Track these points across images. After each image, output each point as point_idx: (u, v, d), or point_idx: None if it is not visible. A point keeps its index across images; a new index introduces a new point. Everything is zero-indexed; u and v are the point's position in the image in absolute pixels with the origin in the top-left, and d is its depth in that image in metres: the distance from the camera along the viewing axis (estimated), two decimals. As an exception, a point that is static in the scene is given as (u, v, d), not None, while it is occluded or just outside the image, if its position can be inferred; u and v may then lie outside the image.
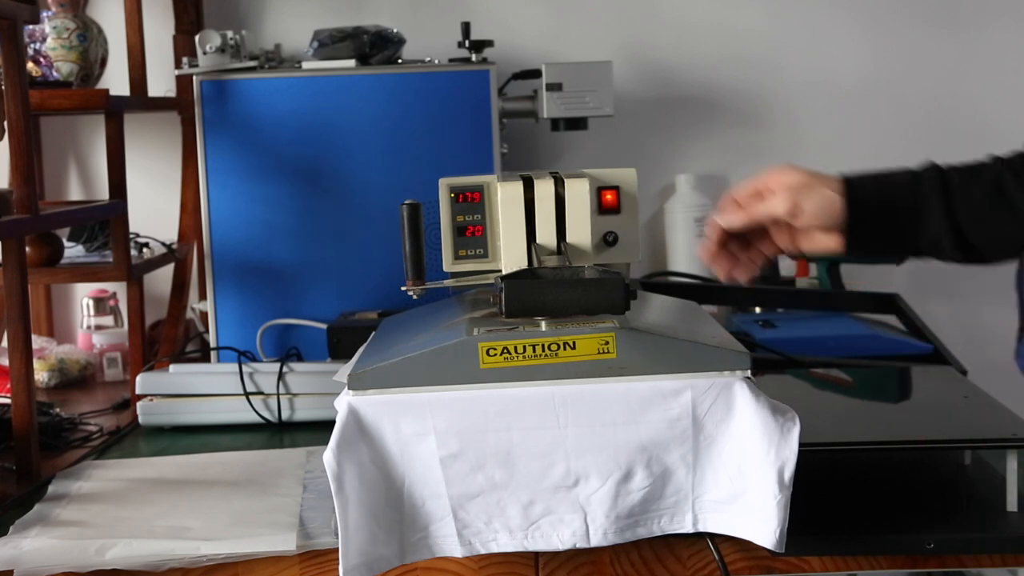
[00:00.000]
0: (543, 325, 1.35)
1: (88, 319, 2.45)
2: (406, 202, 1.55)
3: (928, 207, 1.25)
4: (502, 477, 1.32)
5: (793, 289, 2.38)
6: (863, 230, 1.27)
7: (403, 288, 1.56)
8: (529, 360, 1.34)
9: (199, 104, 2.16)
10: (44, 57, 2.19)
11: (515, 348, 1.33)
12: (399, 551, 1.34)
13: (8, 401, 1.72)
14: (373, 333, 1.63)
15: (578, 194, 1.49)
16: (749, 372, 1.35)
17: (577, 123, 2.27)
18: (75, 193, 2.60)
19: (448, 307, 1.60)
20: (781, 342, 2.07)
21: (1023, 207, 1.21)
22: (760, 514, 1.31)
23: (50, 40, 2.17)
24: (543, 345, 1.33)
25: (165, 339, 2.31)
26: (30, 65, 2.16)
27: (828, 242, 1.34)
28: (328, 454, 1.29)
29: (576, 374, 1.33)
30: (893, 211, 1.26)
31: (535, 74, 2.28)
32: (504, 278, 1.33)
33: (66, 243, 2.21)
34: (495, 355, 1.33)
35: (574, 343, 1.33)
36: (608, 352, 1.33)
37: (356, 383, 1.34)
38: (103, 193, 2.37)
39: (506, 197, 1.49)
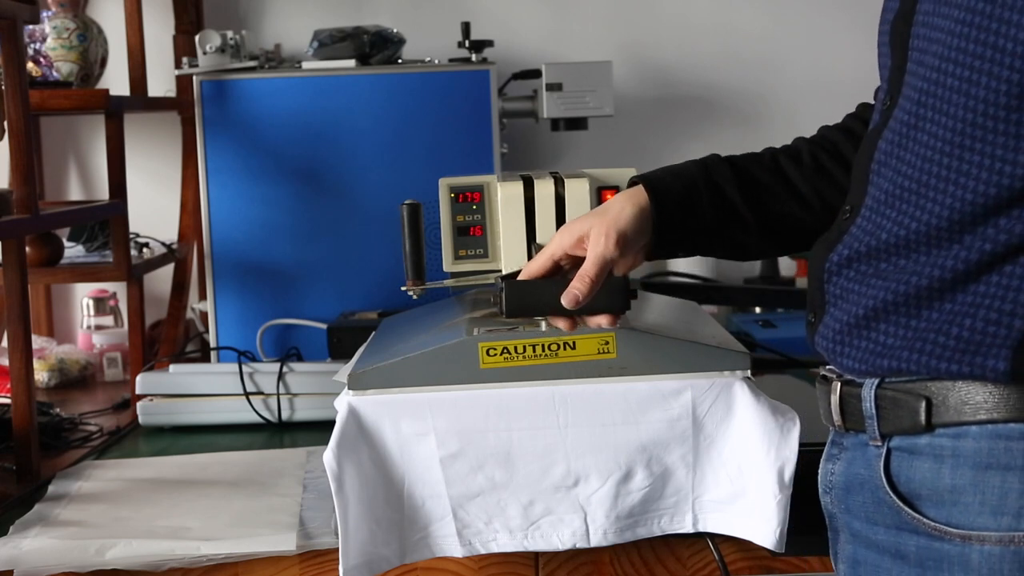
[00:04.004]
0: (543, 325, 1.35)
1: (88, 319, 2.45)
2: (406, 202, 1.55)
3: (721, 180, 1.31)
4: (502, 477, 1.32)
5: (793, 289, 2.38)
6: (667, 220, 1.29)
7: (403, 288, 1.56)
8: (529, 360, 1.34)
9: (199, 104, 2.15)
10: (44, 57, 2.19)
11: (515, 348, 1.33)
12: (399, 551, 1.34)
13: (8, 401, 1.72)
14: (373, 333, 1.63)
15: (578, 194, 1.49)
16: (749, 372, 1.35)
17: (577, 123, 2.27)
18: (75, 193, 2.60)
19: (448, 307, 1.60)
20: (781, 342, 2.07)
21: (797, 183, 1.33)
22: (760, 514, 1.31)
23: (50, 40, 2.16)
24: (543, 345, 1.33)
25: (165, 339, 2.31)
26: (30, 65, 2.16)
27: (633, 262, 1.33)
28: (328, 454, 1.29)
29: (576, 374, 1.33)
30: (694, 189, 1.30)
31: (535, 74, 2.28)
32: (504, 278, 1.33)
33: (66, 243, 2.20)
34: (495, 355, 1.33)
35: (574, 343, 1.33)
36: (608, 352, 1.33)
37: (356, 383, 1.34)
38: (103, 193, 2.37)
39: (506, 197, 1.49)
